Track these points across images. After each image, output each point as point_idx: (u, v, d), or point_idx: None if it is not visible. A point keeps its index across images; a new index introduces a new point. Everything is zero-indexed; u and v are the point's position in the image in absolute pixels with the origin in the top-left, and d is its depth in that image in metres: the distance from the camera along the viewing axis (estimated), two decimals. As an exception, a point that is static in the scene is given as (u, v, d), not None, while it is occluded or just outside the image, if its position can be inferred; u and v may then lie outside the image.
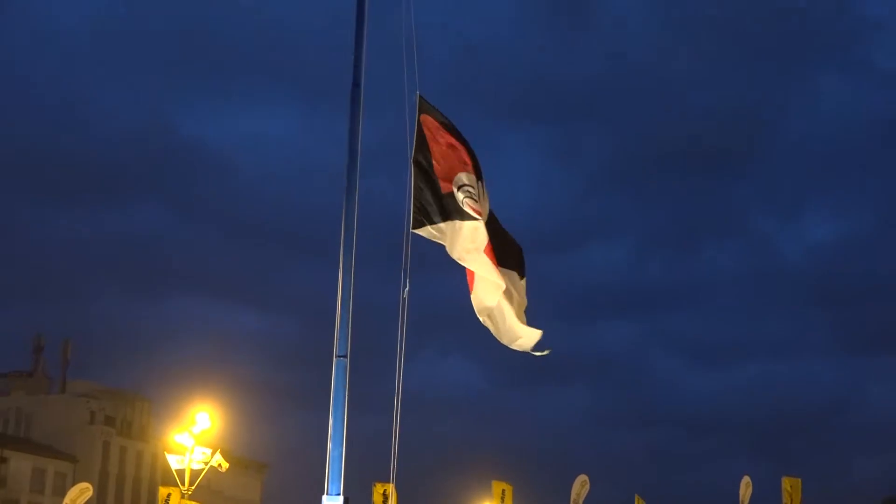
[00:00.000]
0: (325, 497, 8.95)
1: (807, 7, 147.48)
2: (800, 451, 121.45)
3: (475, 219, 9.79)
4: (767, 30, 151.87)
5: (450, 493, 53.32)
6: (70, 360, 78.69)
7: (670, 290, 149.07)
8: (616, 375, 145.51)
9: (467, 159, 9.96)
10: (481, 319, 10.07)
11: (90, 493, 40.41)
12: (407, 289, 9.39)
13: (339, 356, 9.18)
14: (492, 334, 10.06)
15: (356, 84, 9.93)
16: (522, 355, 10.13)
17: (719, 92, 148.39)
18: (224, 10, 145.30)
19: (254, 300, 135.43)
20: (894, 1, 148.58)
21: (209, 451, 29.46)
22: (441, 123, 9.95)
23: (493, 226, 9.95)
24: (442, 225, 9.72)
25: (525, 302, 10.19)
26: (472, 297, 10.03)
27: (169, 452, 30.18)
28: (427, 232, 9.69)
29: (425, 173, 9.75)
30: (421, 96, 9.88)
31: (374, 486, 32.92)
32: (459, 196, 9.80)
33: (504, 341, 10.05)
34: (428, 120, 9.90)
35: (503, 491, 35.88)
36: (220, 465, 29.98)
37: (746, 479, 37.38)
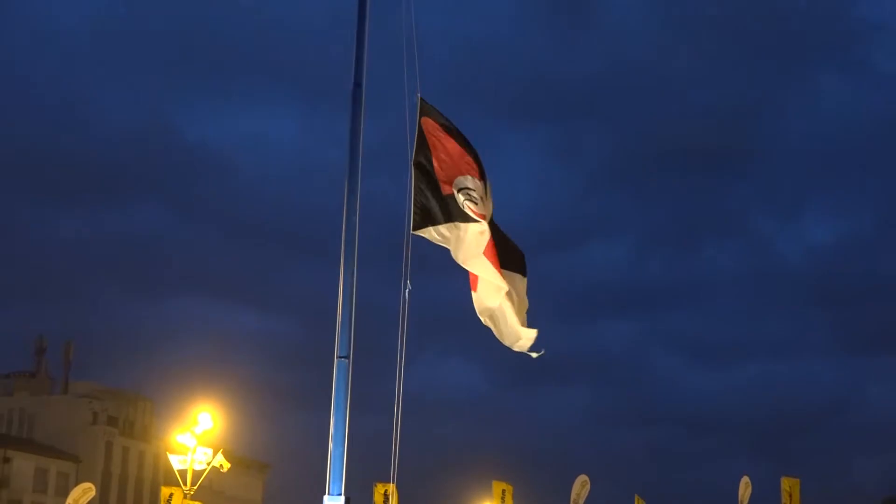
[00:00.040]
0: (326, 497, 8.99)
1: (807, 7, 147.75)
2: (799, 450, 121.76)
3: (476, 221, 9.82)
4: (767, 29, 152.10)
5: (450, 494, 53.45)
6: (72, 361, 78.88)
7: (670, 289, 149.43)
8: (616, 375, 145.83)
9: (469, 162, 9.97)
10: (483, 320, 10.10)
11: (93, 493, 40.48)
12: (408, 289, 9.42)
13: (341, 357, 9.21)
14: (492, 335, 10.09)
15: (357, 84, 9.95)
16: (522, 356, 10.17)
17: (719, 91, 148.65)
18: (224, 10, 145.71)
19: (255, 300, 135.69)
20: (894, 2, 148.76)
21: (210, 451, 29.50)
22: (442, 126, 9.97)
23: (495, 228, 9.97)
24: (443, 227, 9.74)
25: (526, 303, 10.21)
26: (473, 297, 10.06)
27: (171, 452, 30.23)
28: (428, 233, 9.71)
29: (426, 175, 9.77)
30: (422, 98, 9.90)
31: (376, 486, 32.96)
32: (460, 198, 9.82)
33: (507, 343, 10.08)
34: (429, 122, 9.93)
35: (503, 491, 35.93)
36: (221, 465, 30.02)
37: (746, 479, 37.39)
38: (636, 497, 39.92)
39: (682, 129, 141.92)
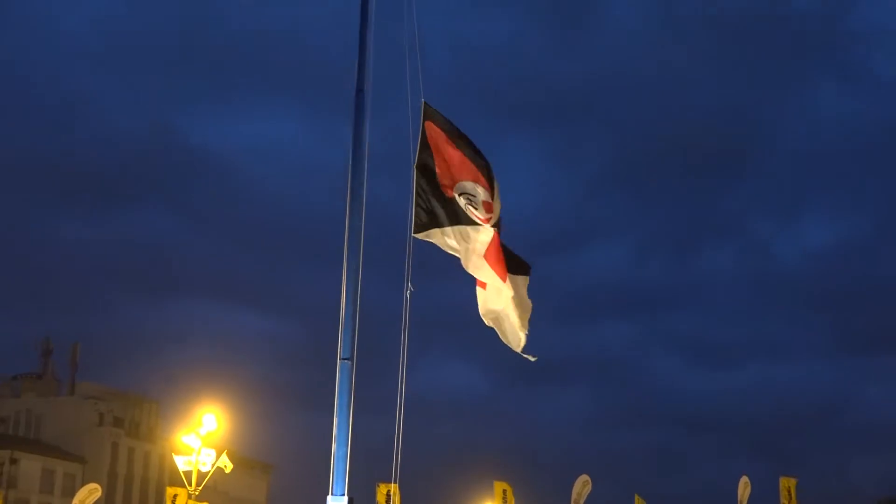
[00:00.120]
0: (329, 497, 9.06)
1: (806, 9, 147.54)
2: (798, 451, 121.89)
3: (479, 224, 9.90)
4: (767, 32, 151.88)
5: (452, 493, 53.53)
6: (78, 363, 79.12)
7: (670, 290, 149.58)
8: (616, 375, 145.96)
9: (471, 168, 10.03)
10: (486, 321, 10.19)
11: (99, 493, 40.65)
12: (410, 290, 9.50)
13: (344, 359, 9.28)
14: (493, 336, 10.19)
15: (360, 90, 10.02)
16: (523, 357, 10.26)
17: (719, 94, 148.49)
18: (226, 12, 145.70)
19: (258, 302, 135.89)
20: (893, 5, 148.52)
21: (214, 452, 29.61)
22: (446, 130, 10.02)
23: (502, 233, 10.03)
24: (450, 230, 9.81)
25: (529, 304, 10.29)
26: (479, 296, 10.12)
27: (176, 453, 30.35)
28: (429, 236, 9.79)
29: (429, 178, 9.83)
30: (426, 102, 9.95)
31: (378, 486, 33.10)
32: (461, 202, 9.90)
33: (512, 345, 10.17)
34: (432, 126, 9.98)
35: (504, 491, 36.07)
36: (224, 465, 30.13)
37: (745, 479, 37.48)
38: (636, 497, 40.02)
39: (682, 131, 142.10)
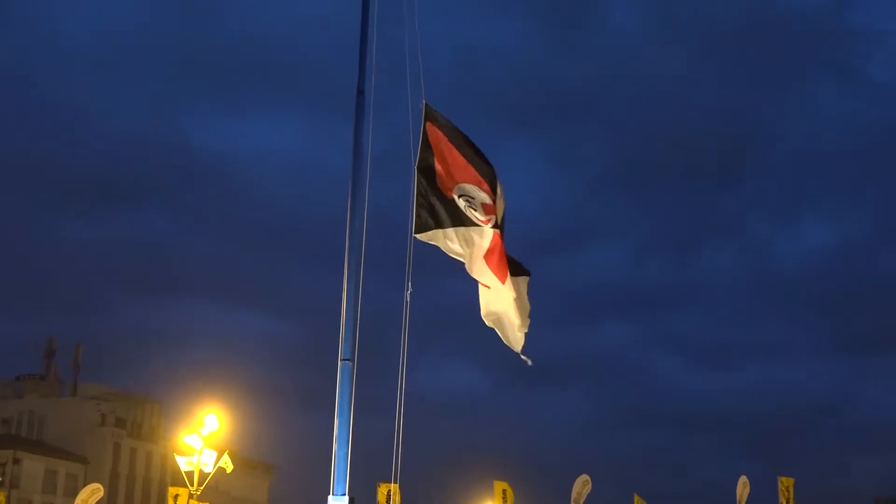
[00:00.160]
0: (330, 497, 9.11)
1: (805, 12, 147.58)
2: (796, 451, 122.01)
3: (480, 225, 9.92)
4: (767, 33, 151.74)
5: (452, 493, 53.63)
6: (81, 364, 79.24)
7: (670, 290, 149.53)
8: (616, 375, 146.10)
9: (473, 170, 10.06)
10: (487, 323, 10.22)
11: (101, 493, 40.76)
12: (409, 290, 9.54)
13: (345, 360, 9.33)
14: (493, 336, 10.23)
15: (360, 92, 10.07)
16: (521, 359, 10.30)
17: (718, 95, 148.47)
18: (225, 12, 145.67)
19: (260, 303, 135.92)
20: (892, 8, 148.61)
21: (215, 453, 29.66)
22: (447, 132, 10.04)
23: (504, 235, 10.06)
24: (451, 230, 9.85)
25: (528, 306, 10.33)
26: (481, 294, 10.15)
27: (178, 454, 30.40)
28: (431, 237, 9.81)
29: (430, 179, 9.86)
30: (427, 104, 9.99)
31: (379, 486, 33.17)
32: (461, 203, 9.93)
33: (513, 346, 10.21)
34: (433, 128, 10.01)
35: (504, 491, 36.14)
36: (225, 464, 30.19)
37: (743, 479, 37.60)
38: (635, 496, 40.12)
39: (682, 131, 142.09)
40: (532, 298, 10.34)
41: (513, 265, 10.13)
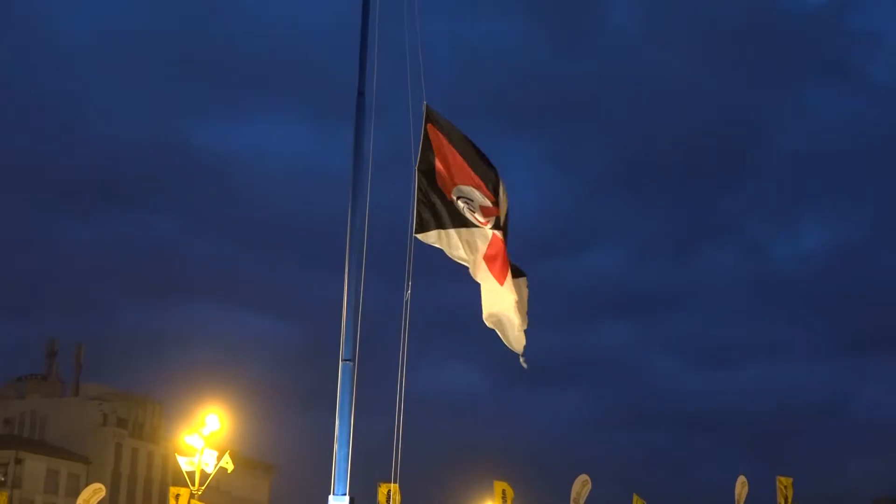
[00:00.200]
0: (331, 497, 9.14)
1: (806, 12, 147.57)
2: (795, 451, 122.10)
3: (479, 226, 9.95)
4: (767, 33, 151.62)
5: (452, 493, 53.63)
6: (83, 364, 79.27)
7: (669, 292, 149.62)
8: (616, 376, 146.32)
9: (472, 172, 10.08)
10: (488, 324, 10.24)
11: (103, 493, 40.79)
12: (409, 291, 9.57)
13: (345, 360, 9.36)
14: (493, 336, 10.25)
15: (361, 92, 10.10)
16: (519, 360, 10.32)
17: (718, 97, 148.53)
18: (225, 12, 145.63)
19: (260, 303, 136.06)
20: (890, 10, 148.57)
21: (216, 453, 29.69)
22: (448, 133, 10.07)
23: (506, 236, 10.07)
24: (452, 231, 9.87)
25: (526, 306, 10.35)
26: (482, 299, 10.16)
27: (179, 454, 30.44)
28: (431, 238, 9.83)
29: (430, 180, 9.89)
30: (428, 105, 10.01)
31: (379, 485, 33.20)
32: (460, 205, 9.96)
33: (513, 347, 10.23)
34: (434, 129, 10.04)
35: (504, 491, 36.16)
36: (226, 463, 30.22)
37: (742, 479, 37.64)
38: (635, 496, 40.12)
39: (682, 132, 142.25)
40: (532, 298, 10.36)
41: (512, 267, 10.15)
